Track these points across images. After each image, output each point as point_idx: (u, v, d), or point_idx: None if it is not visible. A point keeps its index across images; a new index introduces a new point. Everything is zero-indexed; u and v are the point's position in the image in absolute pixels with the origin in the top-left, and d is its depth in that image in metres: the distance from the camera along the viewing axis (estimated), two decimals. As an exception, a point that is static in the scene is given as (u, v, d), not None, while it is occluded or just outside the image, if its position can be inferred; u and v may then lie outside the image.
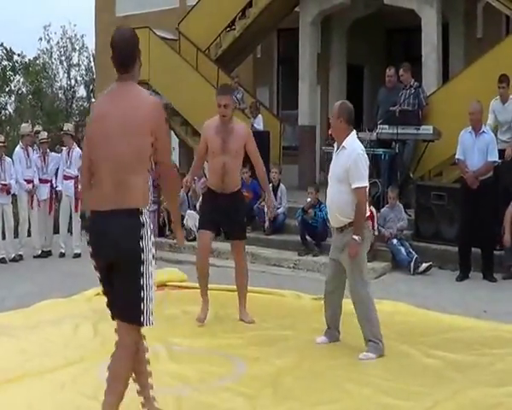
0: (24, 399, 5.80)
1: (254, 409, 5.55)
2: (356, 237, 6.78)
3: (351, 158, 6.77)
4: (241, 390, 5.93)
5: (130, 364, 4.90)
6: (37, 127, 15.26)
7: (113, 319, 4.96)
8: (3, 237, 13.12)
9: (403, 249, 11.61)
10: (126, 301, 4.77)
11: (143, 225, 4.74)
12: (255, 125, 15.16)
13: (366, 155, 6.98)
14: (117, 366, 4.86)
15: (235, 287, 8.33)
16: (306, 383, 6.15)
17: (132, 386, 5.09)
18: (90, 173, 4.88)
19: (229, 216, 7.85)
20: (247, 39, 17.41)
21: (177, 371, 6.40)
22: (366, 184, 6.90)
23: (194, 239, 13.35)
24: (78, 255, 13.19)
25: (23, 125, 14.92)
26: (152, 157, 4.85)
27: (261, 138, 14.73)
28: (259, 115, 15.42)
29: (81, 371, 6.42)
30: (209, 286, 8.19)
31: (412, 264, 11.33)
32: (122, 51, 4.82)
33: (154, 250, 4.83)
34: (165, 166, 4.91)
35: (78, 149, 13.32)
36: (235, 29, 17.32)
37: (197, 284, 8.38)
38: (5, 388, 6.01)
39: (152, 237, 4.81)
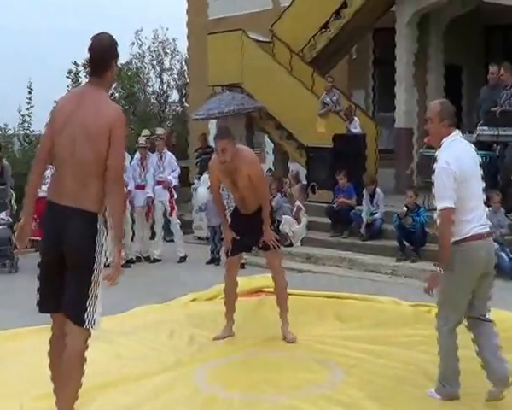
0: (120, 403, 5.82)
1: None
2: (436, 268, 5.63)
3: (435, 172, 5.63)
4: (338, 398, 5.80)
5: (81, 368, 4.98)
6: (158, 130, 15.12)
7: (42, 312, 5.13)
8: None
9: (504, 255, 11.18)
10: (74, 299, 4.88)
11: (98, 231, 4.88)
12: (352, 128, 14.92)
13: (454, 168, 5.52)
14: (68, 368, 4.95)
15: (333, 293, 8.18)
16: (404, 392, 5.97)
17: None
18: (45, 165, 5.18)
19: (255, 231, 7.51)
20: (341, 40, 17.17)
21: (272, 378, 6.31)
22: (447, 204, 5.48)
23: (291, 245, 13.33)
24: (183, 259, 13.23)
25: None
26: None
27: (357, 142, 14.59)
28: (355, 118, 15.17)
29: (177, 376, 6.36)
30: (307, 292, 8.02)
31: (516, 270, 10.91)
32: (96, 57, 4.96)
33: (104, 258, 4.95)
34: (112, 171, 4.86)
35: (169, 153, 13.34)
36: (329, 30, 17.09)
37: (293, 291, 8.25)
38: (102, 392, 6.03)
39: (105, 242, 4.94)
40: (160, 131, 14.38)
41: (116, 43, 5.02)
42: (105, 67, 4.96)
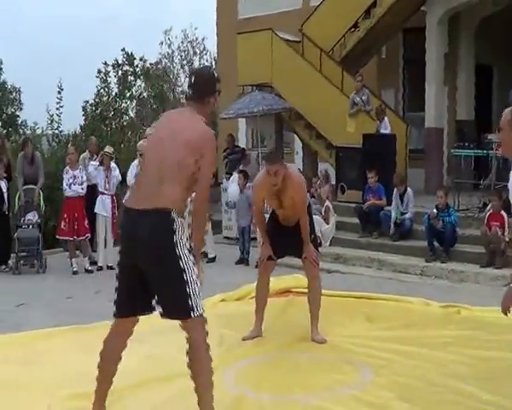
0: (148, 403, 5.82)
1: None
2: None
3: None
4: (367, 399, 5.76)
5: (207, 354, 5.06)
6: None
7: (118, 315, 5.17)
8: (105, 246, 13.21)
9: None
10: (175, 302, 4.93)
11: (174, 224, 4.81)
12: (382, 129, 14.82)
13: None
14: (196, 362, 5.03)
15: (362, 293, 8.12)
16: (434, 393, 5.90)
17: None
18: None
19: (295, 241, 7.51)
20: (371, 40, 17.09)
21: (301, 379, 6.28)
22: None
23: (320, 245, 13.26)
24: (213, 260, 13.23)
25: (148, 130, 14.97)
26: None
27: (387, 141, 14.51)
28: (385, 118, 15.08)
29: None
30: (336, 293, 7.98)
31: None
32: (197, 87, 5.17)
33: (188, 245, 4.92)
34: (203, 187, 4.98)
35: None
36: (359, 29, 17.02)
37: (323, 291, 8.19)
38: (131, 392, 6.01)
39: (186, 232, 4.91)
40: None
41: (218, 81, 5.24)
42: (203, 96, 5.15)
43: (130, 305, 5.10)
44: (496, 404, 5.57)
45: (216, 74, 5.33)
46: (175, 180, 4.87)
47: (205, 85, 5.19)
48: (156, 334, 7.73)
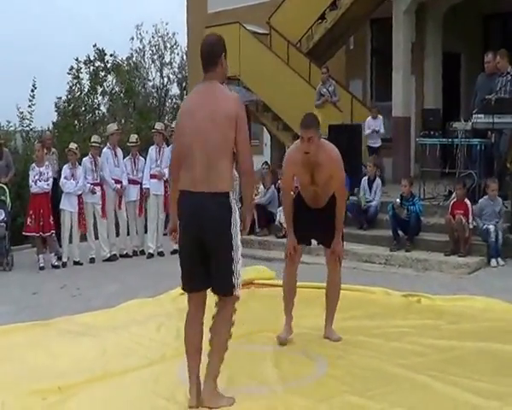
0: (102, 399, 5.80)
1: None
2: None
3: None
4: (319, 392, 5.75)
5: (229, 331, 5.42)
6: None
7: (187, 291, 5.50)
8: (96, 237, 13.28)
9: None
10: (222, 277, 5.28)
11: (232, 209, 5.24)
12: (376, 127, 14.81)
13: None
14: (218, 331, 5.37)
15: (322, 284, 8.00)
16: (388, 384, 5.89)
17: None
18: (179, 164, 5.39)
19: (323, 226, 6.94)
20: (339, 31, 17.18)
21: (256, 372, 6.27)
22: None
23: (285, 236, 13.26)
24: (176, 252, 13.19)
25: (109, 125, 15.02)
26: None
27: (352, 132, 14.55)
28: (379, 117, 15.05)
29: (160, 370, 6.35)
30: (298, 284, 7.79)
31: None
32: (206, 53, 5.41)
33: (239, 226, 5.32)
34: (243, 157, 5.28)
35: (168, 147, 13.34)
36: (326, 21, 17.06)
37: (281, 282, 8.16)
38: (85, 388, 5.99)
39: (238, 215, 5.30)
40: (158, 126, 14.35)
41: (222, 41, 5.47)
42: (213, 63, 5.36)
43: (195, 282, 5.43)
44: (450, 394, 5.58)
45: (217, 36, 5.53)
46: (223, 159, 5.22)
47: (213, 51, 5.40)
48: (114, 329, 7.80)
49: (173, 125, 14.37)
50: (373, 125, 15.16)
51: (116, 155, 13.46)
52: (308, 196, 7.00)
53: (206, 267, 5.34)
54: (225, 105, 5.24)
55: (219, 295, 5.38)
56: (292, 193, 7.25)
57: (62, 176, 12.95)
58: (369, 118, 15.14)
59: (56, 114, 25.84)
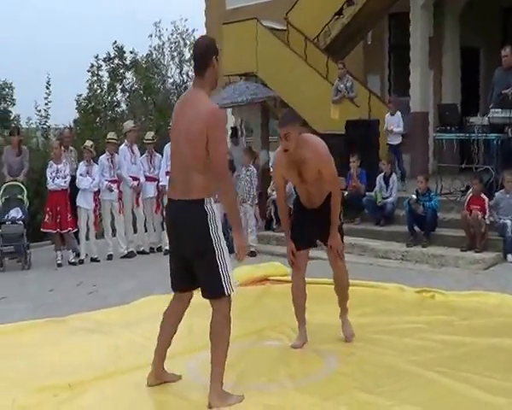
0: (113, 396, 5.84)
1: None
2: None
3: None
4: (328, 388, 5.75)
5: (227, 330, 5.48)
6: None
7: (172, 289, 5.78)
8: (114, 234, 13.35)
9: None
10: (210, 283, 5.39)
11: (207, 213, 5.31)
12: (395, 127, 14.70)
13: None
14: (216, 332, 5.46)
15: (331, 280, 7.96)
16: (399, 381, 5.87)
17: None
18: None
19: (322, 225, 6.71)
20: (356, 26, 17.10)
21: (267, 368, 6.28)
22: None
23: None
24: None
25: (126, 122, 15.10)
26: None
27: (370, 127, 14.49)
28: (398, 113, 14.92)
29: (173, 367, 6.34)
30: (311, 280, 7.69)
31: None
32: (195, 57, 5.52)
33: (220, 229, 5.37)
34: (215, 169, 5.32)
35: None
36: (343, 16, 17.00)
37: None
38: (97, 384, 6.03)
39: (218, 219, 5.37)
40: None
41: (213, 43, 5.54)
42: (203, 65, 5.42)
43: (178, 283, 5.70)
44: (460, 391, 5.55)
45: (208, 39, 5.68)
46: (197, 169, 5.29)
47: (203, 53, 5.44)
48: (127, 326, 7.82)
49: None
50: (391, 123, 14.96)
51: (133, 152, 13.52)
52: (303, 197, 6.87)
53: (191, 272, 5.48)
54: (200, 118, 5.26)
55: (210, 300, 5.46)
56: None
57: (78, 173, 13.04)
58: (388, 114, 15.00)
59: (77, 111, 26.01)
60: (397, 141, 14.87)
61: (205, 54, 5.42)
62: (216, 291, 5.37)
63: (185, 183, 5.35)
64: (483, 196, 11.49)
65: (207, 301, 5.51)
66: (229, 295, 5.43)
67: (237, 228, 5.54)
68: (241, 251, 5.51)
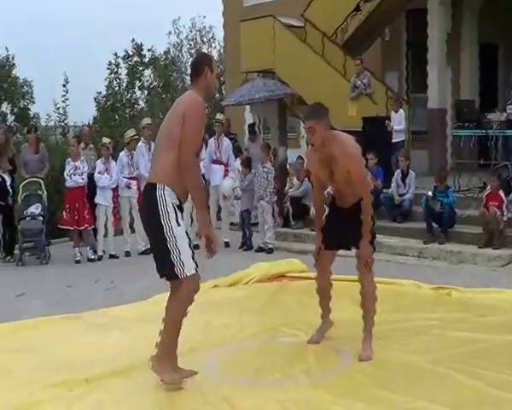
0: (129, 391, 5.88)
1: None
2: None
3: None
4: (342, 384, 5.77)
5: (179, 310, 5.77)
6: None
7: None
8: (132, 231, 13.40)
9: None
10: (165, 267, 5.64)
11: (157, 198, 5.45)
12: (395, 124, 14.64)
13: None
14: (171, 311, 5.77)
15: (350, 276, 7.90)
16: (413, 377, 5.88)
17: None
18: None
19: (352, 227, 6.47)
20: (374, 23, 17.03)
21: (283, 364, 6.28)
22: None
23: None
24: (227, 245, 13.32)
25: (144, 119, 15.16)
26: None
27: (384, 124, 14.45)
28: (401, 111, 14.84)
29: (188, 363, 6.38)
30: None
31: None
32: (191, 66, 6.08)
33: (173, 217, 5.48)
34: (181, 149, 5.47)
35: (227, 139, 14.05)
36: (361, 12, 16.96)
37: (313, 275, 8.14)
38: (112, 380, 6.09)
39: (170, 207, 5.48)
40: (219, 116, 14.51)
41: (208, 56, 6.26)
42: (196, 73, 5.83)
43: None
44: (474, 387, 5.54)
45: (202, 54, 6.13)
46: (165, 152, 5.56)
47: (196, 63, 5.96)
48: (143, 322, 7.84)
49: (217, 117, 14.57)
50: (393, 120, 14.83)
51: (150, 149, 13.54)
52: (336, 195, 6.70)
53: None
54: (180, 104, 5.70)
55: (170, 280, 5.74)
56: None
57: (96, 171, 13.10)
58: (392, 112, 14.92)
59: (96, 108, 26.12)
60: (398, 139, 14.75)
61: (198, 64, 5.89)
62: (169, 275, 5.65)
63: (153, 167, 5.74)
64: (501, 192, 11.46)
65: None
66: (189, 277, 5.58)
67: (200, 213, 5.72)
68: (207, 241, 5.69)
